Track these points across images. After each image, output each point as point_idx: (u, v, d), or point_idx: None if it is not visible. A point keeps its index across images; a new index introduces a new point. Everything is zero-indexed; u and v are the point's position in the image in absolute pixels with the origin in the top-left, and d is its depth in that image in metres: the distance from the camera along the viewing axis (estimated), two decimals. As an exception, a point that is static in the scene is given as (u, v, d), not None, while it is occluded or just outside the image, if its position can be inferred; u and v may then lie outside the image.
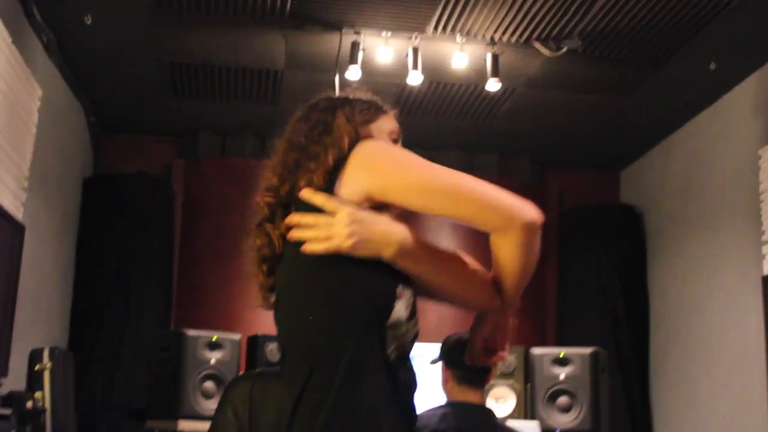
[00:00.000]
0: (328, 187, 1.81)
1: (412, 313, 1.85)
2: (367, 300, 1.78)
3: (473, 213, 1.76)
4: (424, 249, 1.82)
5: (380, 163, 1.82)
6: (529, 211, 1.76)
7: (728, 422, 5.35)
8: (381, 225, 1.77)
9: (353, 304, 1.78)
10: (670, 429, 6.09)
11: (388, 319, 1.79)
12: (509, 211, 1.75)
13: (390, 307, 1.79)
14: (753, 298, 5.10)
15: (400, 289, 1.81)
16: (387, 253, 1.76)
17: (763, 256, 5.01)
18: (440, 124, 6.42)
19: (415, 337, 1.87)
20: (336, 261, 1.76)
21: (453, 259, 1.88)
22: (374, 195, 1.79)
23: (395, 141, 2.03)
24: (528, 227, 1.76)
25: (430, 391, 3.60)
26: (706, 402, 5.64)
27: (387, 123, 2.03)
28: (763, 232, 5.03)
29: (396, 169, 1.81)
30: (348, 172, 1.80)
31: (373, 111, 2.02)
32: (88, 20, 4.92)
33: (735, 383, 5.30)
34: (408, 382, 1.86)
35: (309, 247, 1.76)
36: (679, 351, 6.01)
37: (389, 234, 1.77)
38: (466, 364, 3.39)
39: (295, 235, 1.80)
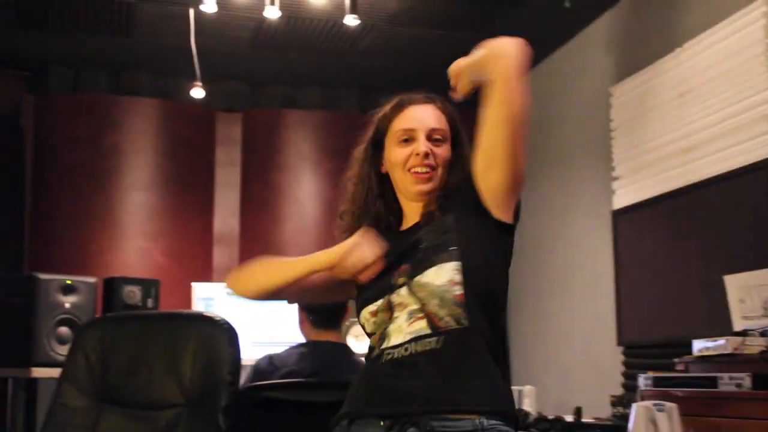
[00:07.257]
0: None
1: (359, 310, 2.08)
2: None
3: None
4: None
5: None
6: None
7: (581, 349, 5.56)
8: None
9: None
10: (526, 357, 6.28)
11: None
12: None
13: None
14: (604, 232, 5.27)
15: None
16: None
17: (613, 192, 5.17)
18: (299, 60, 6.32)
19: (367, 329, 2.07)
20: None
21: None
22: None
23: (406, 140, 2.18)
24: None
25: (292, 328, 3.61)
26: (561, 331, 5.84)
27: (395, 126, 2.22)
28: (613, 168, 5.18)
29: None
30: None
31: (385, 122, 2.23)
32: None
33: (588, 313, 5.50)
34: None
35: None
36: (536, 284, 6.17)
37: None
38: (319, 306, 3.39)
39: None
